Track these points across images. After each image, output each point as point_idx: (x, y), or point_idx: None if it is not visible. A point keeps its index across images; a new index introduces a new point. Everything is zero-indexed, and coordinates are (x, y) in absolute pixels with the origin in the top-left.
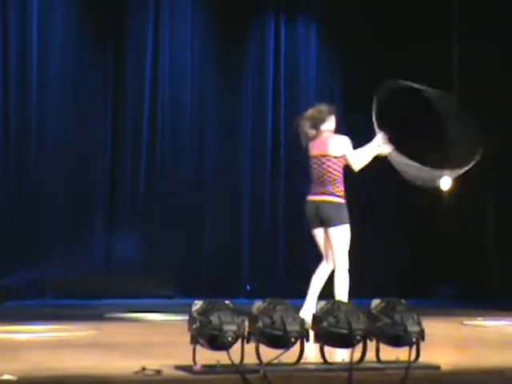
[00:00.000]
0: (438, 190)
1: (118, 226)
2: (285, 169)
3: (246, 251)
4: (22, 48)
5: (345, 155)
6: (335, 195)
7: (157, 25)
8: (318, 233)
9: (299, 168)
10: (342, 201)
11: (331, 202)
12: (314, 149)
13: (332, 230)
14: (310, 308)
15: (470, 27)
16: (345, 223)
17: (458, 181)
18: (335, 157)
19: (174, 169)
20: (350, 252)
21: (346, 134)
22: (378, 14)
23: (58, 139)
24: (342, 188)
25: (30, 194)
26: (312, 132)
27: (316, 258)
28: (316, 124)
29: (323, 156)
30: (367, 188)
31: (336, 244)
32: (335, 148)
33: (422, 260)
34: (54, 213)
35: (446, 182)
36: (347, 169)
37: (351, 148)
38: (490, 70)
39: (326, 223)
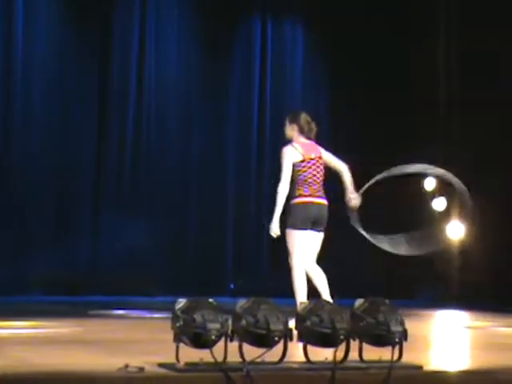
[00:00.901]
0: (423, 191)
1: (103, 224)
2: (269, 168)
3: (230, 249)
4: (7, 48)
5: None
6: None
7: (143, 26)
8: (306, 235)
9: None
10: None
11: (327, 206)
12: (311, 151)
13: (322, 234)
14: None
15: (460, 31)
16: None
17: (442, 183)
18: (325, 161)
19: (159, 169)
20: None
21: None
22: (365, 15)
23: (44, 137)
24: None
25: (14, 189)
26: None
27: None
28: (308, 131)
29: (320, 158)
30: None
31: (319, 248)
32: (325, 151)
33: (402, 261)
34: (39, 210)
35: (430, 183)
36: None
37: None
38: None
39: (320, 226)
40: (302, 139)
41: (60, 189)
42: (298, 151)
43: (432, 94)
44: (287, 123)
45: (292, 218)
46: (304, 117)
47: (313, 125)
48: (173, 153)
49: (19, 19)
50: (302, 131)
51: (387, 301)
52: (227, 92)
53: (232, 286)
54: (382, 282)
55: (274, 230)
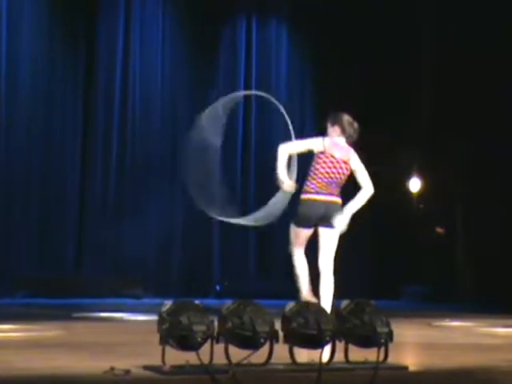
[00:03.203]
0: (407, 192)
1: (88, 226)
2: (255, 168)
3: (216, 251)
4: None
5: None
6: (340, 197)
7: (127, 25)
8: (308, 232)
9: (268, 168)
10: None
11: (340, 204)
12: (337, 151)
13: (334, 231)
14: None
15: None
16: None
17: (427, 182)
18: (352, 168)
19: (145, 171)
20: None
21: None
22: (349, 15)
23: (28, 132)
24: None
25: None
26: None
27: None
28: (348, 133)
29: (345, 162)
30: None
31: (334, 245)
32: (356, 160)
33: (388, 261)
34: (23, 212)
35: (415, 184)
36: None
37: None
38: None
39: (329, 223)
40: (339, 139)
41: (45, 190)
42: (324, 144)
43: (419, 95)
44: (328, 125)
45: (295, 213)
46: (346, 118)
47: (355, 125)
48: (158, 155)
49: (3, 19)
50: (343, 132)
51: (372, 302)
52: (213, 92)
53: (218, 287)
54: (366, 283)
55: (286, 183)
